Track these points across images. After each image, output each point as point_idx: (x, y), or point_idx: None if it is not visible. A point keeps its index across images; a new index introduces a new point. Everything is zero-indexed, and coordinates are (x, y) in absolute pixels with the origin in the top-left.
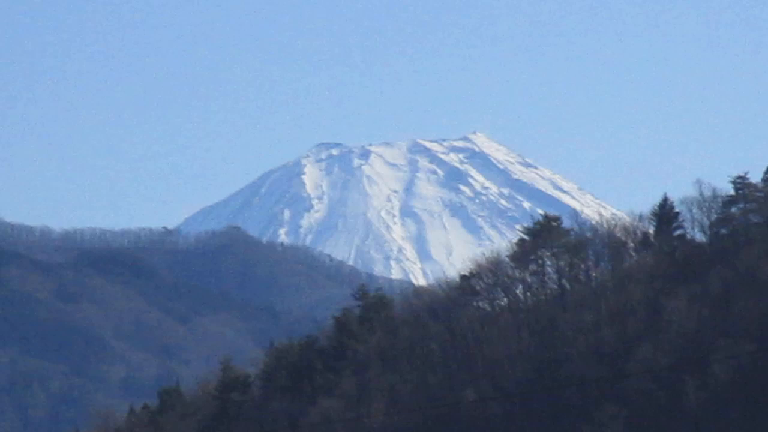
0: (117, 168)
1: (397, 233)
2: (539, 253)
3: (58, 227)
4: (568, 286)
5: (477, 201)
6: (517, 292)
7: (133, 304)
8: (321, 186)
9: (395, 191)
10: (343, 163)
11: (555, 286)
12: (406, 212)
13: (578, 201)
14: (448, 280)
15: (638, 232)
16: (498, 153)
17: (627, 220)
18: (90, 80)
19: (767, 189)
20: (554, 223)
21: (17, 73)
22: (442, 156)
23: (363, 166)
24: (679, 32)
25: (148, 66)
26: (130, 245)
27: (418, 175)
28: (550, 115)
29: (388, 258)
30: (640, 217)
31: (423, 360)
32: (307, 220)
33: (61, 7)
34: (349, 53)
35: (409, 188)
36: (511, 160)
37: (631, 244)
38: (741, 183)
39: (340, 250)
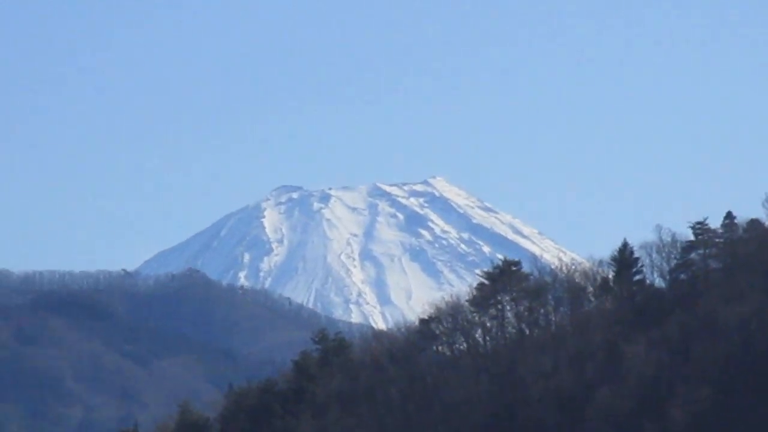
0: (76, 210)
1: (357, 277)
2: (499, 297)
3: (16, 269)
4: (527, 331)
5: (437, 245)
6: (477, 336)
7: (91, 346)
8: (281, 229)
9: (355, 235)
10: (304, 207)
11: (514, 331)
12: (366, 256)
13: (538, 246)
14: (408, 324)
15: (598, 277)
16: (458, 197)
17: (587, 265)
18: (47, 123)
19: (726, 235)
20: (514, 268)
21: None
22: (402, 200)
23: (323, 210)
24: (638, 79)
25: (107, 109)
26: (89, 287)
27: (378, 218)
28: (510, 160)
29: (347, 301)
30: (600, 263)
31: (382, 403)
32: (267, 264)
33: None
34: (309, 97)
35: (369, 232)
36: (471, 204)
37: (591, 289)
38: (700, 228)
39: (300, 293)
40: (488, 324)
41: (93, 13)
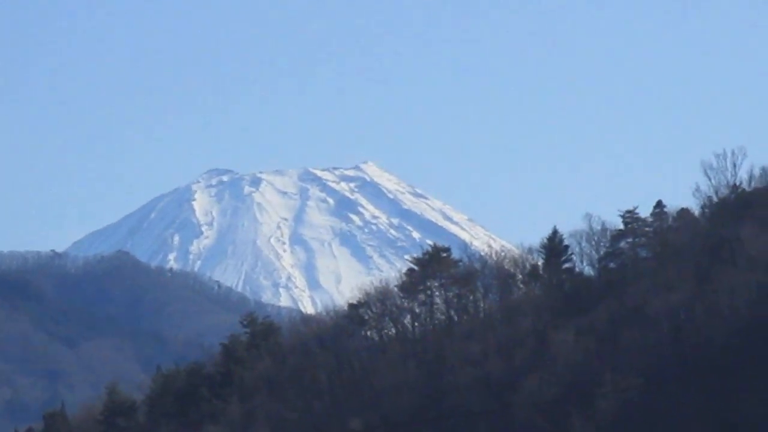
0: (4, 189)
1: (287, 261)
2: (428, 283)
3: None
4: (456, 317)
5: (367, 230)
6: (405, 321)
7: (19, 327)
8: (211, 212)
9: (285, 219)
10: (234, 190)
11: (443, 317)
12: (296, 240)
13: (468, 232)
14: (337, 309)
15: (527, 264)
16: (389, 183)
17: (516, 252)
18: None
19: (656, 224)
20: (443, 254)
21: None
22: (333, 185)
23: (253, 194)
24: (570, 62)
25: (39, 85)
26: (18, 268)
27: (309, 203)
28: (442, 145)
29: (276, 285)
30: (530, 250)
31: (310, 388)
32: (197, 246)
33: None
34: (241, 80)
35: (299, 216)
36: (402, 189)
37: (520, 277)
38: (630, 217)
39: (229, 276)
40: (417, 310)
41: None
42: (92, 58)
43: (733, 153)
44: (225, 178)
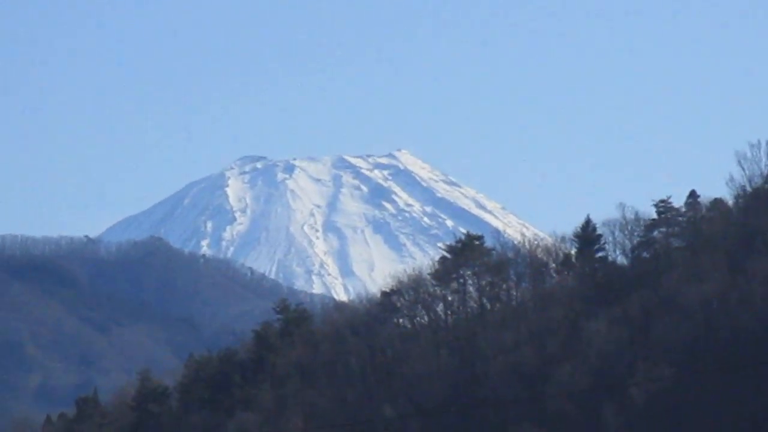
0: (39, 175)
1: (320, 248)
2: (461, 271)
3: None
4: (488, 305)
5: (400, 218)
6: (438, 309)
7: (52, 312)
8: (244, 199)
9: (318, 206)
10: (267, 177)
11: (475, 305)
12: (329, 227)
13: (501, 221)
14: (369, 296)
15: (560, 253)
16: (422, 171)
17: (549, 241)
18: (12, 84)
19: (690, 213)
20: (476, 242)
21: None
22: (367, 172)
23: (287, 180)
24: (605, 56)
25: (73, 72)
26: (51, 253)
27: (342, 190)
28: (475, 134)
29: (309, 272)
30: (563, 239)
31: (342, 375)
32: (230, 233)
33: None
34: (274, 68)
35: (332, 203)
36: (435, 178)
37: (553, 265)
38: (663, 207)
39: (262, 263)
40: (450, 298)
41: None
42: (130, 43)
43: (767, 143)
44: (259, 165)
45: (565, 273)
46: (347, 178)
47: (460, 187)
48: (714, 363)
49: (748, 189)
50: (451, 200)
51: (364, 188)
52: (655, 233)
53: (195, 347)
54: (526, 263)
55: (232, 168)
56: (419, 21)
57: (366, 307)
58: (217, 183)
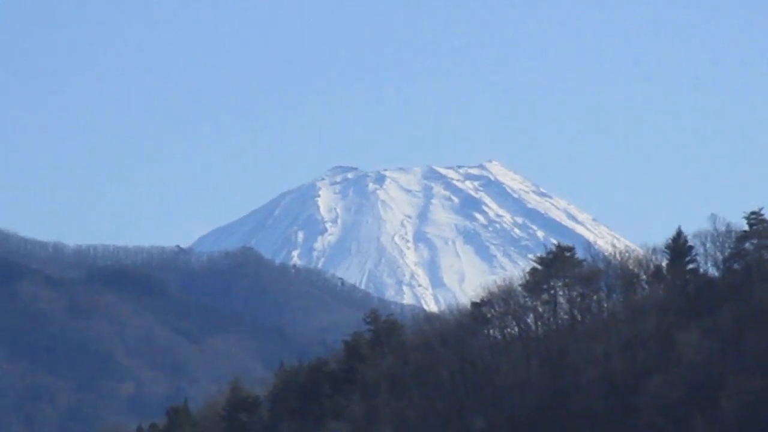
0: (131, 185)
1: (410, 259)
2: (551, 282)
3: (71, 243)
4: (579, 317)
5: (491, 229)
6: (529, 321)
7: (143, 321)
8: (335, 209)
9: (409, 217)
10: (358, 187)
11: (566, 316)
12: (420, 238)
13: (592, 232)
14: (460, 307)
15: (651, 264)
16: (513, 182)
17: (640, 252)
18: (106, 97)
19: None
20: (567, 254)
21: (34, 88)
22: (457, 183)
23: (378, 191)
24: (696, 67)
25: (164, 85)
26: (143, 263)
27: (433, 201)
28: (566, 145)
29: (400, 283)
30: (654, 250)
31: (432, 386)
32: (321, 243)
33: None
34: (366, 78)
35: (423, 214)
36: (526, 189)
37: (644, 277)
38: (755, 219)
39: (353, 273)
40: (540, 309)
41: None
42: (227, 53)
43: None
44: (350, 176)
45: (656, 285)
46: (438, 188)
47: (550, 198)
48: None
49: None
50: (542, 211)
51: (455, 199)
52: (747, 245)
53: (285, 357)
54: (617, 275)
55: (323, 179)
56: (511, 32)
57: (456, 318)
58: (309, 193)
